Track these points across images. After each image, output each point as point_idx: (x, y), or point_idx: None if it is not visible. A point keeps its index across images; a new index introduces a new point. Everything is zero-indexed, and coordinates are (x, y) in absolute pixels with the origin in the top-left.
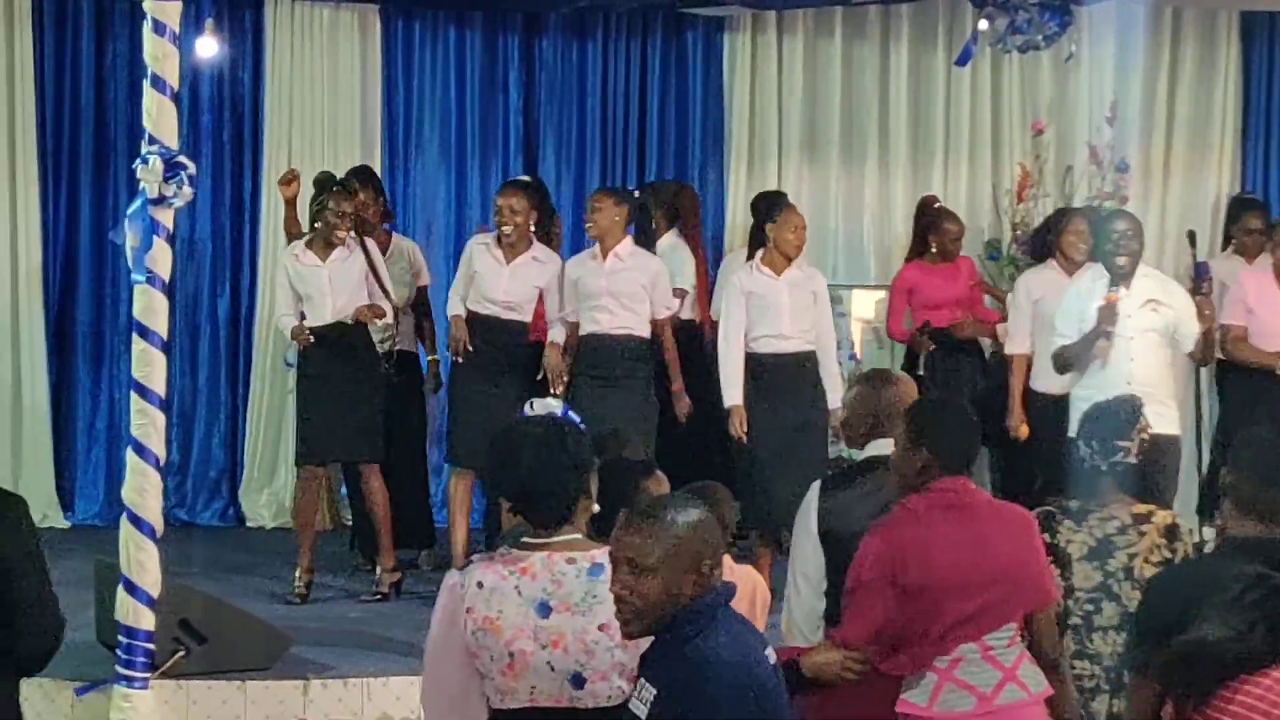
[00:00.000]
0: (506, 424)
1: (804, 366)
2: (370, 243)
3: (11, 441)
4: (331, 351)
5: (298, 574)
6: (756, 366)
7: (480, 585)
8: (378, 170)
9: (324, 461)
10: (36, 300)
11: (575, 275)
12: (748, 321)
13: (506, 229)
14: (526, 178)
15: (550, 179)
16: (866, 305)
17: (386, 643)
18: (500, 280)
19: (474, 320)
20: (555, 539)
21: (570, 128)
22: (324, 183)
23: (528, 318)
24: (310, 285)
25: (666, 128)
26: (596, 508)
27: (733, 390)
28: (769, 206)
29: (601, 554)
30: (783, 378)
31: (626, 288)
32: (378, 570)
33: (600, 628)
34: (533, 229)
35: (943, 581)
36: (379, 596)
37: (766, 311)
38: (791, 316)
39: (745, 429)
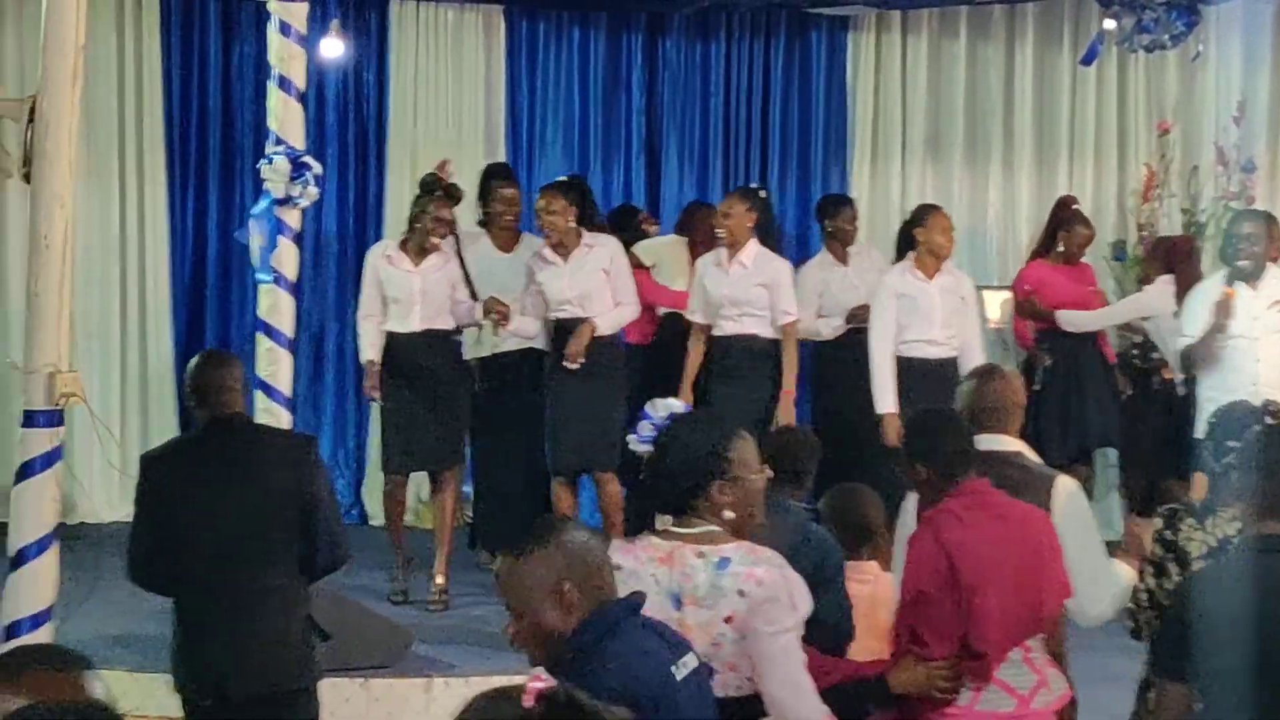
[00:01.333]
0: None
1: (949, 372)
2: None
3: (140, 439)
4: (417, 360)
5: (397, 576)
6: (902, 370)
7: (619, 569)
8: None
9: (409, 471)
10: (164, 300)
11: (703, 280)
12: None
13: (548, 231)
14: (563, 178)
15: (672, 179)
16: (992, 306)
17: (504, 641)
18: (562, 281)
19: (557, 327)
20: (689, 530)
21: (693, 128)
22: (428, 185)
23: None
24: (400, 290)
25: (789, 128)
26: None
27: (886, 397)
28: (918, 212)
29: (731, 548)
30: (930, 383)
31: (748, 295)
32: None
33: (726, 620)
34: (572, 224)
35: (994, 579)
36: (436, 606)
37: (918, 315)
38: (944, 321)
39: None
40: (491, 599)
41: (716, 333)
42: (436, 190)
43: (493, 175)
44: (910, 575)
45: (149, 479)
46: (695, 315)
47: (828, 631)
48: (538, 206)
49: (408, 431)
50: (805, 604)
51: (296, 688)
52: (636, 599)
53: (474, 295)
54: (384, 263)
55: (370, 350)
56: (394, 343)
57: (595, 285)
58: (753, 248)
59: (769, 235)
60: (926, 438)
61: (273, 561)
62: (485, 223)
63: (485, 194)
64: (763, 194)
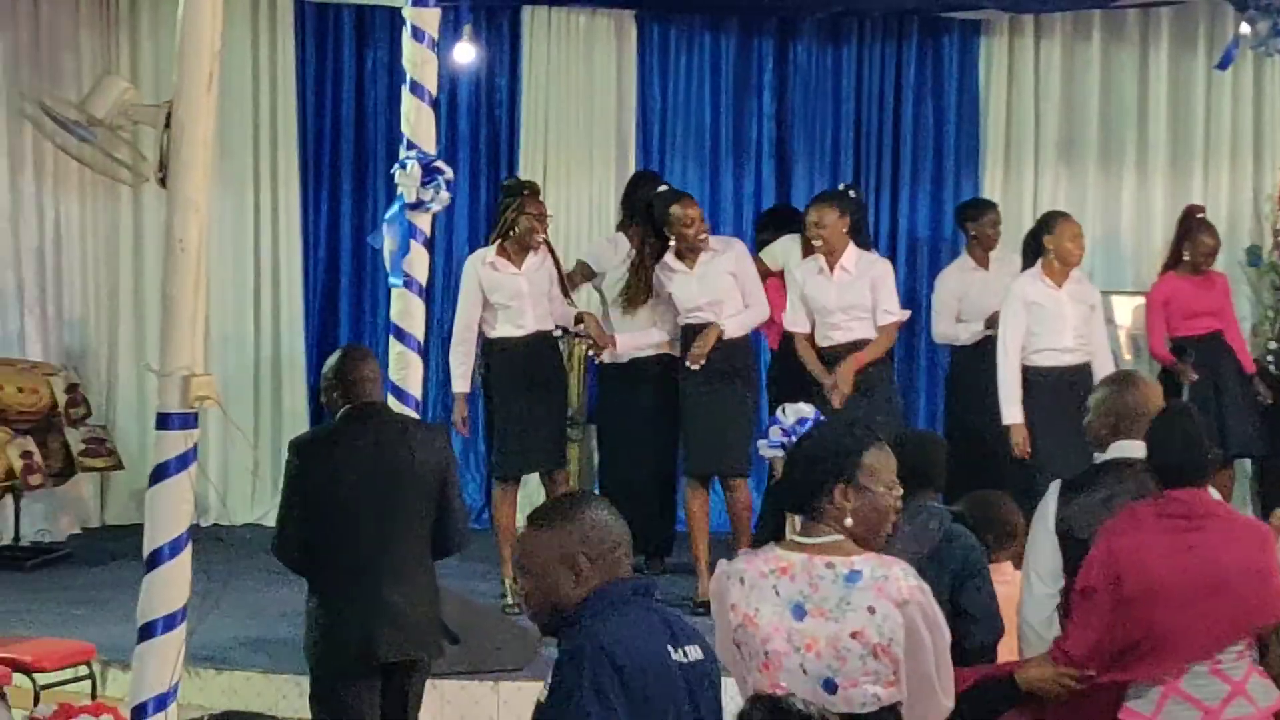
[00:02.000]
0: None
1: (1081, 379)
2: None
3: (272, 444)
4: (527, 363)
5: (507, 584)
6: (1032, 379)
7: (742, 581)
8: (629, 174)
9: (519, 475)
10: (297, 304)
11: (806, 288)
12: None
13: (682, 237)
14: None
15: (802, 184)
16: (1125, 312)
17: None
18: (691, 288)
19: (686, 331)
20: (816, 540)
21: (824, 133)
22: (514, 188)
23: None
24: (508, 295)
25: (920, 133)
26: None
27: (1012, 408)
28: (1047, 218)
29: (861, 560)
30: (1062, 391)
31: (856, 299)
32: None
33: (853, 635)
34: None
35: (1158, 590)
36: (506, 609)
37: (1048, 323)
38: (1075, 328)
39: (1028, 447)
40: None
41: (824, 343)
42: (524, 188)
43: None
44: (1081, 576)
45: (303, 460)
46: (797, 325)
47: (979, 626)
48: (676, 214)
49: (521, 435)
50: (942, 622)
51: (428, 656)
52: (648, 583)
53: (567, 295)
54: (487, 270)
55: (462, 381)
56: (507, 347)
57: (724, 289)
58: (853, 252)
59: (862, 233)
60: (1154, 437)
61: (417, 536)
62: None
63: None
64: (852, 193)
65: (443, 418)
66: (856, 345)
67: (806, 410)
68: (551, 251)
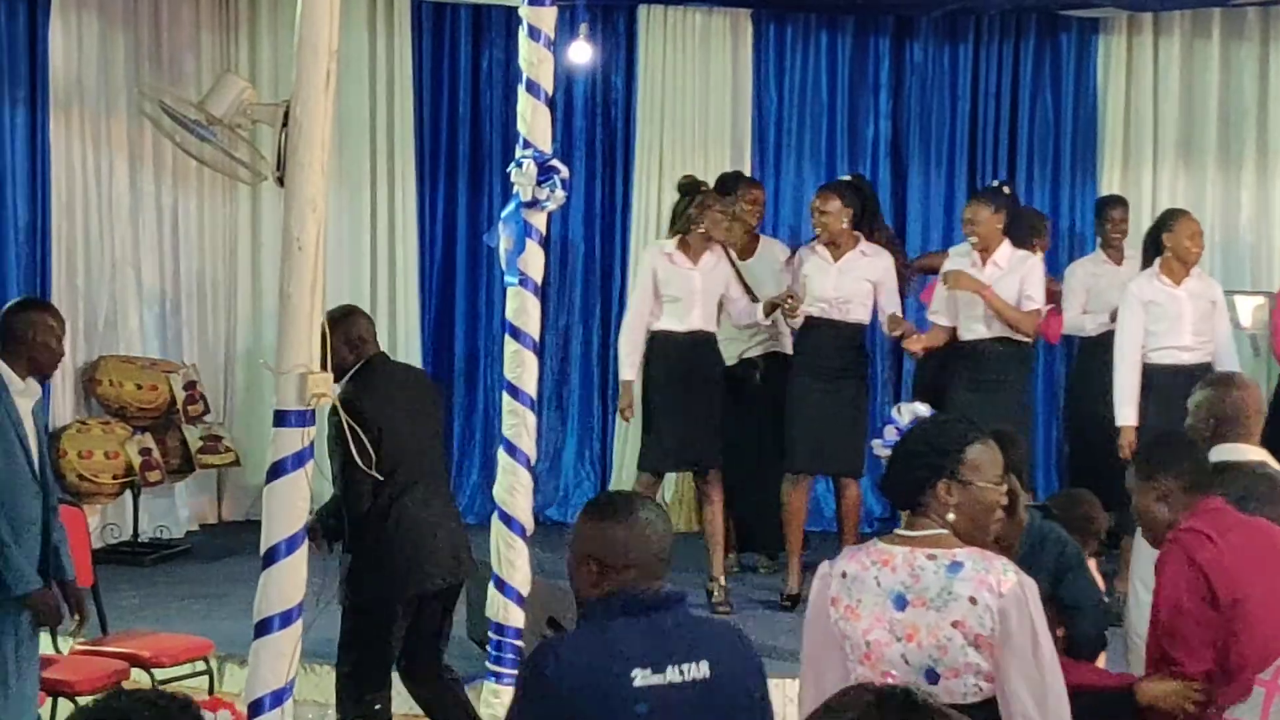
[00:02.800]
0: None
1: (1199, 377)
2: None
3: None
4: (687, 359)
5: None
6: (1153, 378)
7: (844, 575)
8: (746, 173)
9: (668, 470)
10: (413, 301)
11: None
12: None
13: (819, 230)
14: (846, 178)
15: (917, 182)
16: (1245, 312)
17: (769, 650)
18: (829, 278)
19: (810, 322)
20: (919, 533)
21: (940, 131)
22: (693, 186)
23: (864, 317)
24: (679, 289)
25: (1037, 131)
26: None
27: (1126, 409)
28: (1165, 216)
29: (964, 552)
30: (1182, 389)
31: (1008, 294)
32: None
33: (954, 624)
34: (846, 225)
35: (1254, 592)
36: (719, 607)
37: (1167, 321)
38: (1194, 327)
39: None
40: (743, 599)
41: (967, 335)
42: (700, 186)
43: (734, 179)
44: (1165, 597)
45: (356, 412)
46: (940, 317)
47: (1084, 616)
48: (813, 205)
49: (674, 431)
50: (1042, 625)
51: (466, 579)
52: (657, 597)
53: (749, 292)
54: (664, 261)
55: (630, 370)
56: (667, 341)
57: (858, 292)
58: (1005, 248)
59: (1017, 230)
60: (1170, 451)
61: (448, 469)
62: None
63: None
64: (1006, 190)
65: (556, 417)
66: (999, 341)
67: (922, 409)
68: (728, 253)
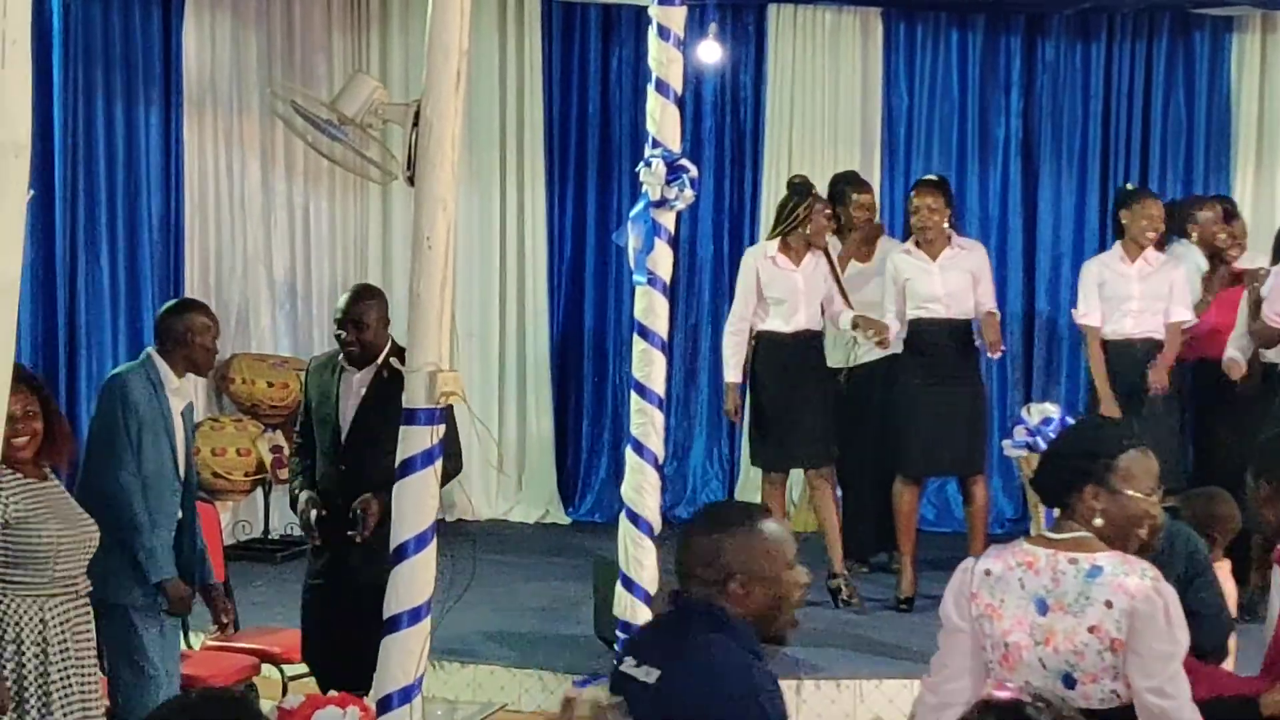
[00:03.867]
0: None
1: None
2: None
3: (517, 438)
4: (794, 359)
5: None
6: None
7: (988, 573)
8: (875, 173)
9: (776, 469)
10: (542, 301)
11: (1101, 282)
12: None
13: (926, 228)
14: (935, 176)
15: (1048, 183)
16: None
17: (877, 645)
18: (933, 279)
19: (918, 326)
20: (1063, 536)
21: (1071, 130)
22: (804, 187)
23: (970, 312)
24: (783, 290)
25: (1170, 131)
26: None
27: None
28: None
29: (1104, 556)
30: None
31: (1158, 290)
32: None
33: (1090, 630)
34: (946, 222)
35: None
36: (845, 603)
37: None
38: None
39: None
40: (868, 599)
41: (1113, 335)
42: (812, 188)
43: (848, 182)
44: None
45: None
46: (1089, 318)
47: (1208, 624)
48: (917, 203)
49: (783, 430)
50: (1183, 627)
51: None
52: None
53: (845, 296)
54: (767, 263)
55: (734, 372)
56: (773, 342)
57: (963, 287)
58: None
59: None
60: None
61: None
62: (839, 230)
63: (840, 201)
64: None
65: (684, 416)
66: (1148, 340)
67: (1051, 409)
68: (828, 254)
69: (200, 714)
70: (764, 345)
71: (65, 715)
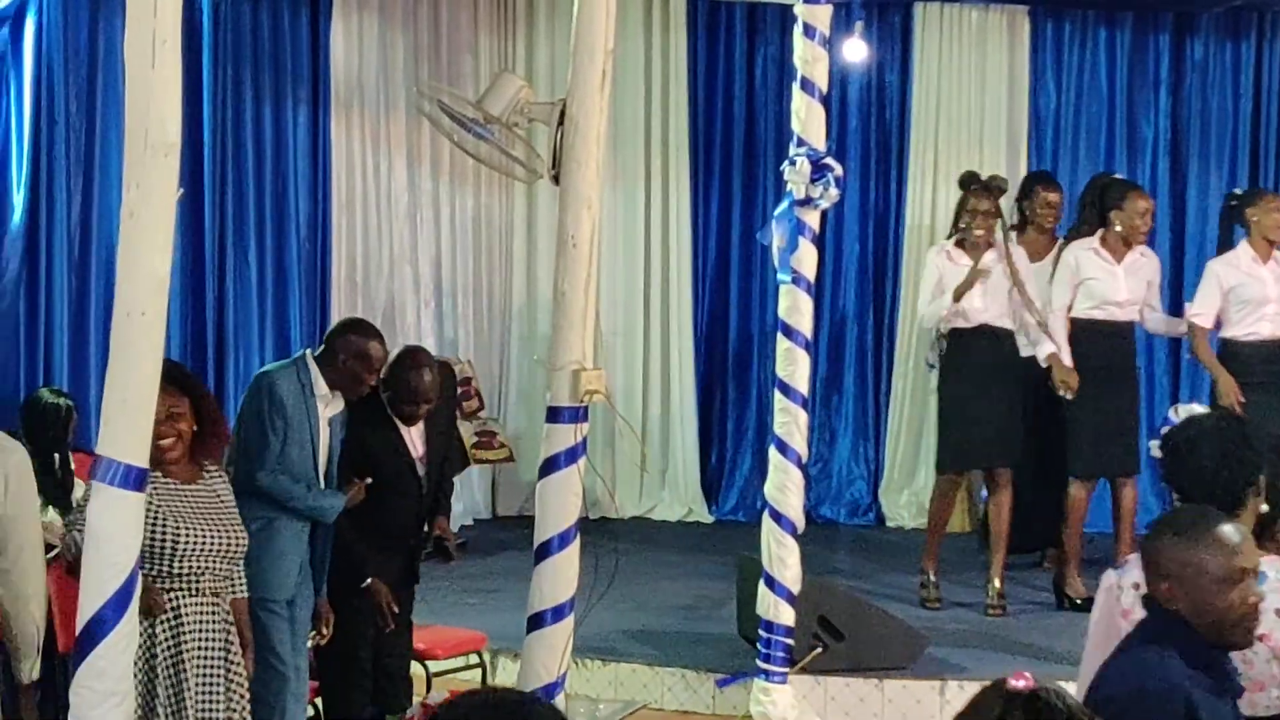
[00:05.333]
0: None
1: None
2: (1017, 248)
3: (660, 436)
4: (976, 356)
5: (929, 577)
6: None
7: (1136, 587)
8: (1021, 172)
9: (966, 469)
10: (686, 298)
11: (1231, 280)
12: None
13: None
14: (1118, 178)
15: (1196, 183)
16: None
17: (1021, 646)
18: (1118, 283)
19: (1091, 325)
20: None
21: (1222, 130)
22: (964, 182)
23: (1137, 316)
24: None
25: None
26: (1265, 508)
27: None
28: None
29: (1267, 562)
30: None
31: None
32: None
33: (1259, 637)
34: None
35: None
36: (990, 609)
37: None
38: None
39: None
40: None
41: (1250, 337)
42: (973, 184)
43: (1039, 180)
44: None
45: None
46: (1203, 319)
47: None
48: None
49: (967, 428)
50: None
51: None
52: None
53: (1026, 298)
54: (944, 259)
55: (933, 355)
56: (957, 338)
57: (1139, 293)
58: None
59: None
60: None
61: None
62: (1020, 227)
63: (1028, 197)
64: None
65: (829, 415)
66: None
67: (1199, 409)
68: (1007, 250)
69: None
70: (949, 342)
71: (199, 708)
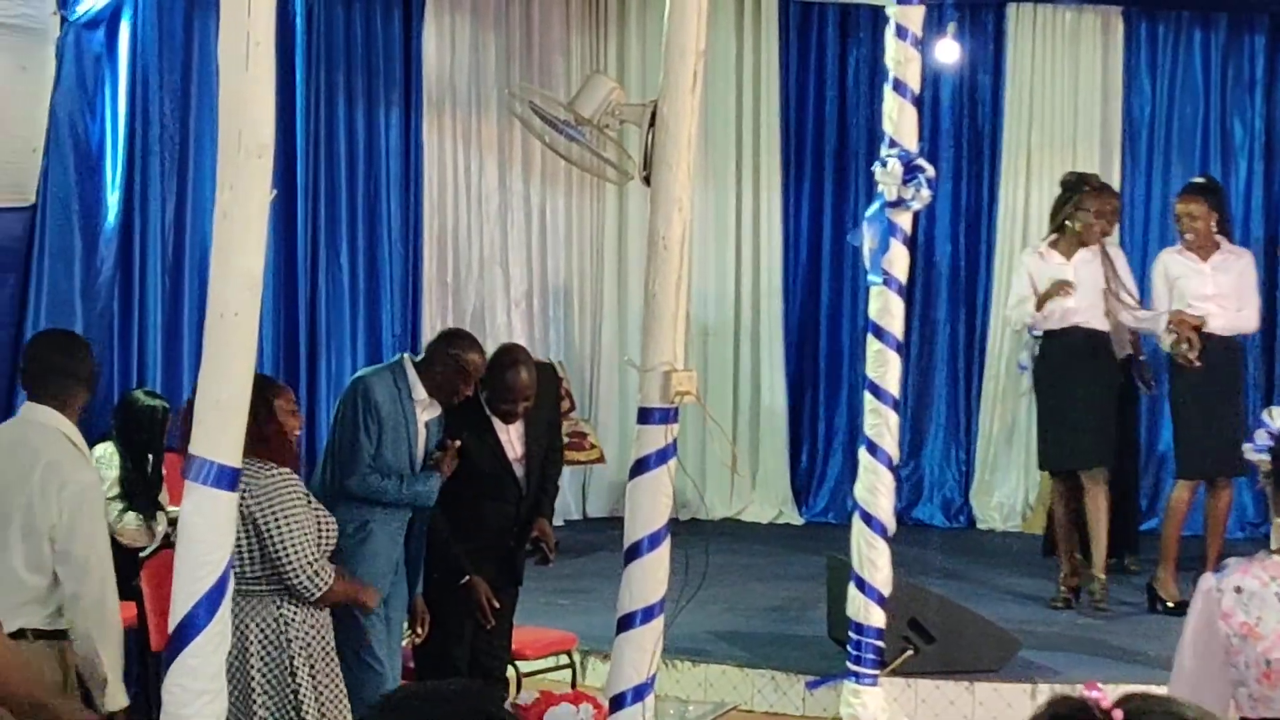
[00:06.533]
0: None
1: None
2: (1113, 248)
3: (750, 437)
4: (1070, 357)
5: (1062, 577)
6: None
7: (1239, 590)
8: (1115, 174)
9: (1061, 469)
10: (777, 299)
11: None
12: None
13: (1188, 235)
14: (1202, 179)
15: None
16: None
17: (1112, 649)
18: (1205, 280)
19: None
20: None
21: None
22: (1075, 183)
23: (1234, 317)
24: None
25: None
26: None
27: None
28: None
29: (1240, 575)
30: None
31: None
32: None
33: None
34: (1214, 229)
35: None
36: (1099, 605)
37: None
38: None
39: None
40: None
41: None
42: (1084, 186)
43: (1086, 182)
44: None
45: None
46: None
47: None
48: (1179, 209)
49: (1061, 430)
50: None
51: None
52: None
53: (1121, 300)
54: (1036, 259)
55: (1031, 300)
56: (1050, 340)
57: (1229, 293)
58: None
59: None
60: None
61: None
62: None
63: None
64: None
65: (919, 417)
66: None
67: None
68: (1104, 251)
69: (448, 704)
70: (1043, 345)
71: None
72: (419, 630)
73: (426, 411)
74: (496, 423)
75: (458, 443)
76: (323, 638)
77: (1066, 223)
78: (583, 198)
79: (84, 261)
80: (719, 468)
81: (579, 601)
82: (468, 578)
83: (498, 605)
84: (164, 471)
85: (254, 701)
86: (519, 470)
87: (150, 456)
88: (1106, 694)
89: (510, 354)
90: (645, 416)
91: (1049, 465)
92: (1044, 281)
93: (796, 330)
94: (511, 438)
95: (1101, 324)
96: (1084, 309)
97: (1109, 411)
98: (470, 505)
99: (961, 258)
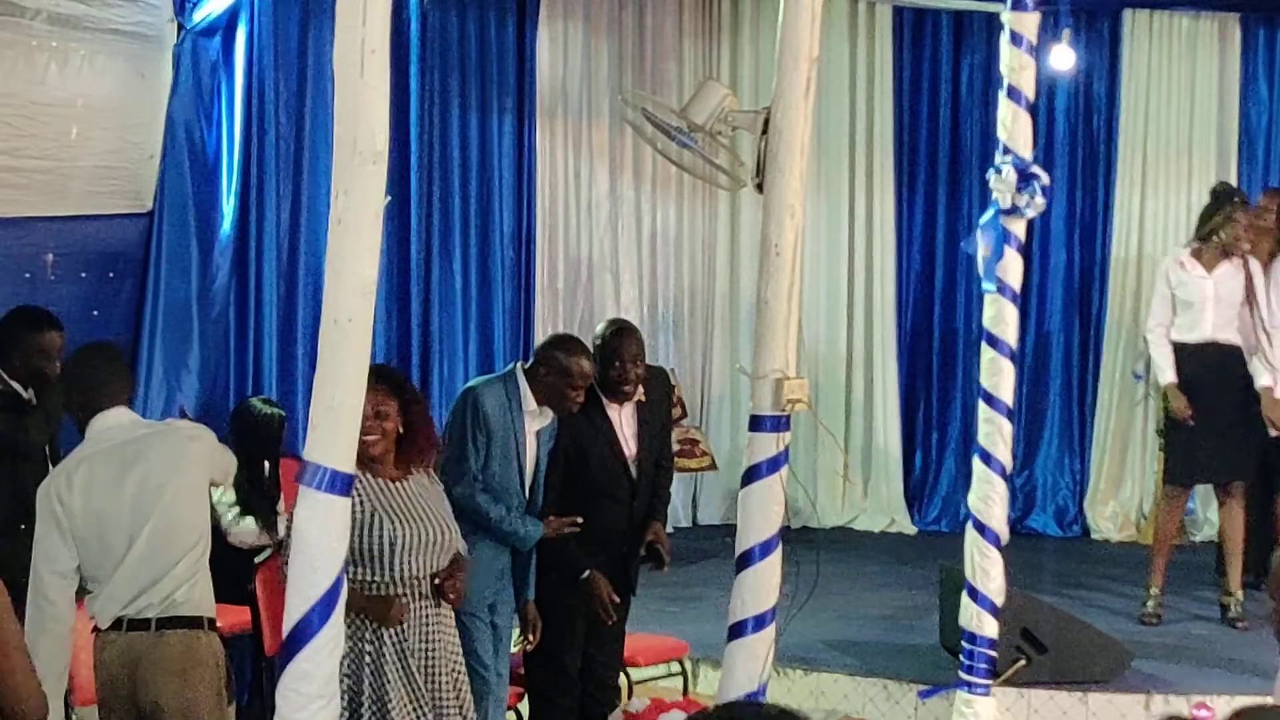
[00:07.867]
0: None
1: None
2: (1254, 263)
3: (863, 445)
4: (1205, 369)
5: (1151, 593)
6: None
7: None
8: (1232, 183)
9: (1193, 483)
10: (890, 306)
11: None
12: None
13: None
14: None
15: None
16: None
17: (1228, 661)
18: None
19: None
20: None
21: None
22: (1227, 193)
23: None
24: (1192, 294)
25: None
26: None
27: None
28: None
29: None
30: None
31: None
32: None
33: None
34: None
35: None
36: (1237, 623)
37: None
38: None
39: None
40: (1215, 617)
41: None
42: (1235, 196)
43: (1238, 193)
44: None
45: None
46: None
47: None
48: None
49: (1195, 443)
50: None
51: None
52: None
53: (1257, 314)
54: (1176, 268)
55: (1168, 373)
56: (1182, 352)
57: None
58: None
59: None
60: None
61: None
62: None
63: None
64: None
65: (1033, 426)
66: None
67: None
68: (1246, 264)
69: None
70: (1175, 356)
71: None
72: (530, 637)
73: (537, 421)
74: (613, 418)
75: (579, 519)
76: (400, 641)
77: (1215, 234)
78: (694, 204)
79: (200, 268)
80: (831, 475)
81: (690, 609)
82: (588, 572)
83: (618, 600)
84: (280, 478)
85: None
86: (633, 469)
87: (266, 464)
88: (1215, 712)
89: (615, 323)
90: (757, 424)
91: (1179, 479)
92: (1181, 291)
93: (909, 337)
94: (626, 435)
95: (1235, 338)
96: (1216, 322)
97: (1242, 425)
98: (585, 503)
99: (1076, 265)
